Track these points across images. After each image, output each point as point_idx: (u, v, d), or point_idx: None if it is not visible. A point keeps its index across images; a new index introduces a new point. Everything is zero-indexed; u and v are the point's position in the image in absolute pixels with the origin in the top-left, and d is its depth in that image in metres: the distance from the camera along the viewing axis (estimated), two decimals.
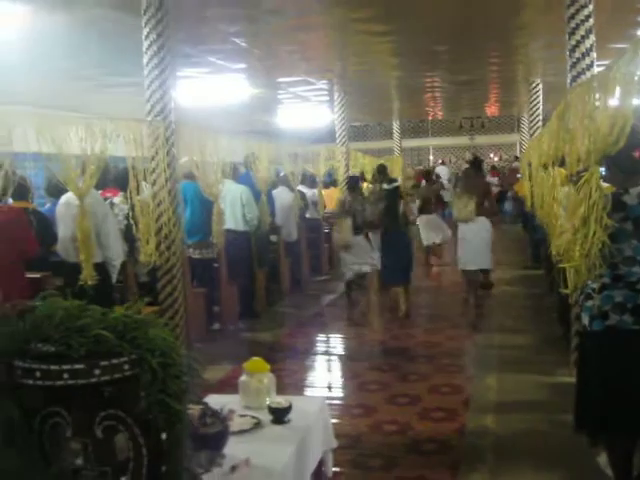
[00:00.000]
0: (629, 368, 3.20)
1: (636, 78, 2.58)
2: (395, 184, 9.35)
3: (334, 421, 4.52)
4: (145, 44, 6.50)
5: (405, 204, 9.31)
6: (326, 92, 15.00)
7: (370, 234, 9.35)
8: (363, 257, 9.18)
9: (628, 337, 3.20)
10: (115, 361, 1.85)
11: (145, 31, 6.46)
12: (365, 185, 12.21)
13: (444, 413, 5.13)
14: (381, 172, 9.81)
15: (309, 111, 17.41)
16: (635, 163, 3.24)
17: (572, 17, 5.99)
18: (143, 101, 6.68)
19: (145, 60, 6.53)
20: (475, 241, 8.75)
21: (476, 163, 10.04)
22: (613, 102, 2.96)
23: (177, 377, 1.92)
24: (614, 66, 2.86)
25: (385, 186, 9.21)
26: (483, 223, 8.83)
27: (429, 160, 28.66)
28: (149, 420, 1.89)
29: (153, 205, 6.44)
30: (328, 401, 4.74)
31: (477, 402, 5.36)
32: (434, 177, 17.73)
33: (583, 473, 4.02)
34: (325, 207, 12.67)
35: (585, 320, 3.38)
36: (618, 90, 2.84)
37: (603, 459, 3.76)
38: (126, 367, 1.86)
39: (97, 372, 1.84)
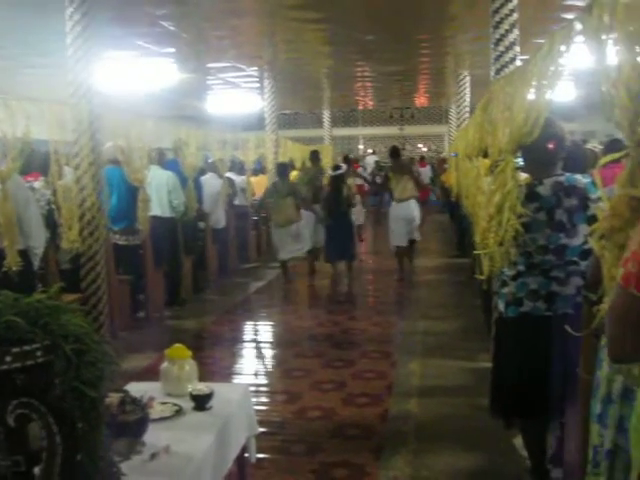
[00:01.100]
0: (541, 353, 3.30)
1: (550, 71, 2.64)
2: (340, 171, 10.34)
3: (258, 408, 4.54)
4: (68, 24, 6.32)
5: (348, 188, 10.34)
6: (256, 79, 14.92)
7: (302, 214, 10.17)
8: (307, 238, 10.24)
9: (541, 323, 3.30)
10: (27, 348, 1.80)
11: (69, 11, 6.28)
12: (294, 173, 12.28)
13: (368, 398, 5.20)
14: (315, 158, 10.93)
15: (239, 98, 17.28)
16: (549, 154, 3.33)
17: (497, 11, 6.13)
18: (66, 83, 6.50)
19: (68, 40, 6.35)
20: (405, 218, 9.87)
21: (394, 151, 10.54)
22: (530, 95, 3.04)
23: (92, 364, 1.88)
24: (531, 60, 2.93)
25: (330, 172, 10.43)
26: (414, 202, 10.01)
27: (359, 149, 28.85)
28: (63, 408, 1.85)
29: (76, 190, 6.29)
30: (253, 388, 4.76)
31: (400, 387, 5.45)
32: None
33: (501, 454, 4.14)
34: (254, 194, 12.63)
35: (500, 307, 3.47)
36: (534, 83, 2.91)
37: (519, 441, 3.90)
38: (39, 354, 1.81)
39: (8, 359, 1.78)
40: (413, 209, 9.99)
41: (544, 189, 3.27)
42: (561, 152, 3.36)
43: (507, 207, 3.17)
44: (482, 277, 3.61)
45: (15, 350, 1.79)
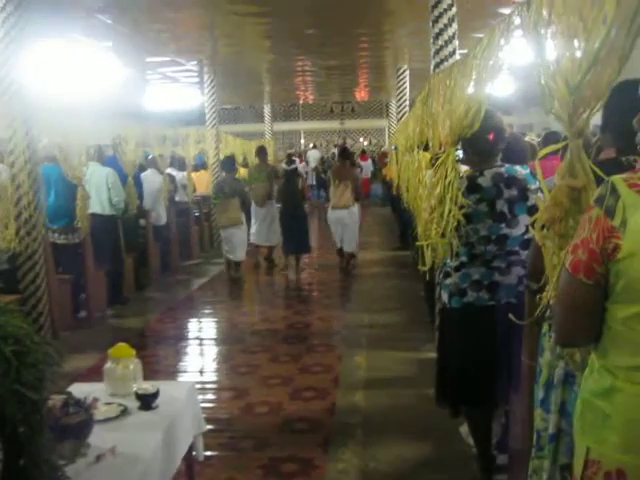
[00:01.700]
0: (486, 342, 3.36)
1: (490, 65, 2.68)
2: (294, 165, 10.71)
3: (205, 405, 4.51)
4: (0, 17, 6.12)
5: (303, 182, 10.67)
6: (196, 73, 14.76)
7: (253, 210, 10.41)
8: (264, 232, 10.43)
9: (484, 313, 3.36)
10: None
11: (0, 2, 6.09)
12: (242, 170, 12.26)
13: (315, 392, 5.21)
14: (262, 153, 10.90)
15: (178, 93, 17.06)
16: (489, 146, 3.38)
17: (435, 5, 6.18)
18: None
19: (0, 35, 6.16)
20: (341, 226, 9.90)
21: (345, 153, 10.44)
22: (470, 88, 3.08)
23: (33, 366, 1.83)
24: (471, 53, 2.97)
25: (284, 166, 10.68)
26: (353, 211, 9.98)
27: (300, 144, 28.85)
28: (4, 412, 1.80)
29: (12, 188, 6.11)
30: (199, 385, 4.72)
31: (347, 380, 5.48)
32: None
33: (447, 443, 4.20)
34: (195, 190, 12.51)
35: (444, 297, 3.52)
36: (474, 76, 2.95)
37: (465, 429, 3.96)
38: None
39: None
40: (347, 217, 9.89)
41: (485, 180, 3.32)
42: (501, 143, 3.41)
43: (449, 198, 3.21)
44: (425, 268, 3.65)
45: None
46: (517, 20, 2.22)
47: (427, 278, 4.22)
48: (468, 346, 3.40)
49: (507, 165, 3.41)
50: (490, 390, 3.39)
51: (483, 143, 3.34)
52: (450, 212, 3.22)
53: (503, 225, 3.32)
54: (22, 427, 1.85)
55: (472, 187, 3.31)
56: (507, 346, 3.29)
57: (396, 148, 11.19)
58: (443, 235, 3.31)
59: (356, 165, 13.50)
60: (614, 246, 1.56)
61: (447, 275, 3.49)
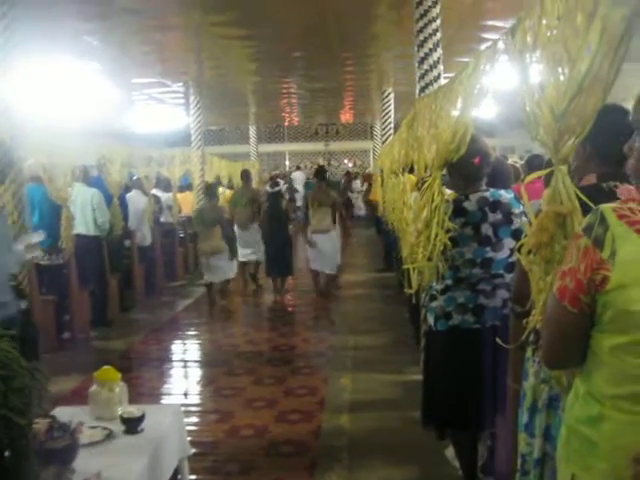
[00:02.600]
0: (471, 365, 3.37)
1: (476, 90, 2.72)
2: (277, 188, 10.75)
3: (190, 428, 4.47)
4: None
5: (287, 204, 10.79)
6: (182, 95, 14.80)
7: (237, 233, 10.34)
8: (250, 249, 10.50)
9: (470, 336, 3.38)
10: None
11: None
12: (221, 189, 12.24)
13: (300, 415, 5.19)
14: (246, 177, 10.90)
15: (164, 114, 17.09)
16: (475, 170, 3.42)
17: (421, 30, 6.26)
18: None
19: None
20: (324, 248, 9.64)
21: (320, 174, 10.12)
22: (456, 112, 3.12)
23: (20, 390, 1.82)
24: (456, 78, 3.01)
25: (268, 189, 10.65)
26: (333, 235, 9.81)
27: (285, 165, 28.92)
28: None
29: None
30: (183, 408, 4.67)
31: (332, 403, 5.46)
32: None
33: (433, 466, 4.19)
34: (180, 211, 12.50)
35: (430, 320, 3.53)
36: (460, 101, 2.99)
37: (450, 452, 3.96)
38: None
39: None
40: (327, 242, 9.67)
41: (470, 204, 3.35)
42: (486, 167, 3.45)
43: (435, 222, 3.23)
44: (411, 291, 3.67)
45: None
46: (502, 45, 2.26)
47: (413, 301, 4.24)
48: (454, 369, 3.41)
49: (492, 189, 3.45)
50: (476, 413, 3.40)
51: (469, 167, 3.38)
52: (437, 236, 3.25)
53: (488, 249, 3.35)
54: (8, 452, 1.83)
55: (458, 211, 3.34)
56: (493, 369, 3.31)
57: (381, 170, 11.24)
58: (430, 259, 3.33)
59: (335, 186, 13.38)
60: (602, 278, 1.56)
61: (433, 298, 3.51)
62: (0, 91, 6.16)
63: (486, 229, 3.34)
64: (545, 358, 1.82)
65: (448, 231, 3.27)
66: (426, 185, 3.46)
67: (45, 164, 7.27)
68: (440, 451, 4.18)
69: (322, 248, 9.66)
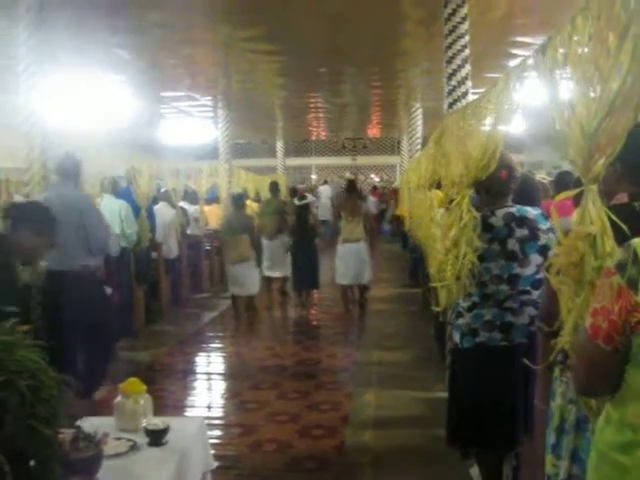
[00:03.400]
0: (498, 383, 3.34)
1: (505, 107, 2.71)
2: (305, 201, 10.60)
3: (213, 441, 4.47)
4: (21, 50, 6.25)
5: (314, 217, 10.64)
6: (210, 108, 14.93)
7: (264, 244, 10.26)
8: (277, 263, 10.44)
9: (497, 353, 3.35)
10: None
11: (22, 37, 6.22)
12: (247, 202, 12.27)
13: (324, 430, 5.17)
14: (274, 189, 10.95)
15: (192, 127, 17.24)
16: (501, 185, 3.40)
17: (449, 46, 6.27)
18: (18, 110, 6.41)
19: (21, 67, 6.28)
20: (353, 259, 9.62)
21: (351, 187, 10.23)
22: (485, 129, 3.11)
23: (47, 401, 1.84)
24: (485, 95, 3.01)
25: (296, 202, 10.53)
26: (361, 243, 9.69)
27: (312, 179, 28.99)
28: (16, 446, 1.80)
29: None
30: (207, 421, 4.68)
31: (356, 418, 5.43)
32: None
33: None
34: (207, 224, 12.56)
35: (456, 338, 3.51)
36: (489, 118, 2.98)
37: (475, 471, 3.91)
38: None
39: None
40: (360, 251, 9.70)
41: (496, 220, 3.34)
42: (513, 182, 3.43)
43: (464, 241, 3.21)
44: (438, 309, 3.65)
45: None
46: (532, 63, 2.25)
47: (440, 318, 4.20)
48: (480, 387, 3.38)
49: (518, 206, 3.43)
50: (502, 432, 3.36)
51: (495, 182, 3.36)
52: (465, 255, 3.23)
53: (515, 264, 3.33)
54: (34, 462, 1.85)
55: (484, 227, 3.32)
56: (520, 387, 3.27)
57: (408, 185, 11.21)
58: (458, 277, 3.31)
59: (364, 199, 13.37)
60: (638, 320, 1.53)
61: (459, 315, 3.48)
62: (32, 103, 6.27)
63: (513, 244, 3.32)
64: (577, 387, 1.80)
65: (476, 250, 3.25)
66: (455, 203, 3.45)
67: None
68: (465, 470, 4.14)
69: (353, 258, 9.65)
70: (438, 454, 4.41)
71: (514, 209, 3.40)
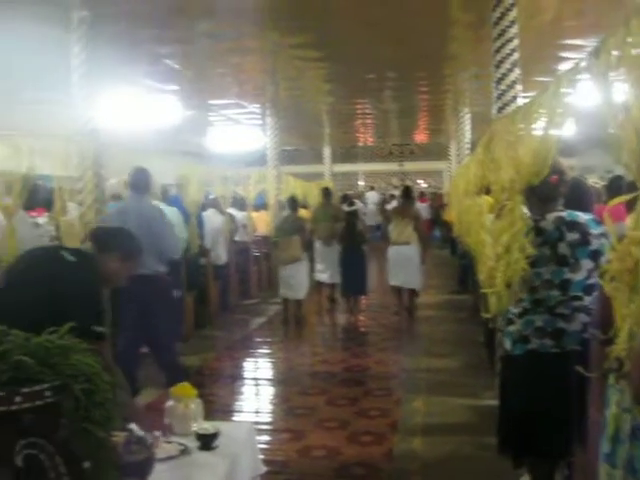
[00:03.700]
0: (550, 391, 3.28)
1: (558, 111, 2.68)
2: (354, 207, 10.62)
3: (262, 446, 4.50)
4: (74, 62, 6.41)
5: (362, 223, 10.67)
6: (258, 116, 15.05)
7: (316, 248, 10.66)
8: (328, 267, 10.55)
9: (549, 360, 3.29)
10: (36, 388, 1.79)
11: (76, 49, 6.37)
12: (303, 211, 12.39)
13: (372, 437, 5.16)
14: (327, 194, 11.19)
15: (241, 134, 17.39)
16: (551, 189, 3.35)
17: (498, 50, 6.20)
18: (71, 119, 6.56)
19: (75, 78, 6.44)
20: (403, 262, 9.66)
21: (407, 193, 10.40)
22: (536, 133, 3.07)
23: (101, 404, 1.87)
24: (536, 100, 2.97)
25: (345, 208, 10.57)
26: (412, 246, 9.69)
27: (358, 185, 28.96)
28: (72, 448, 1.84)
29: (80, 226, 6.30)
30: (256, 426, 4.71)
31: (405, 425, 5.41)
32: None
33: None
34: (255, 230, 12.64)
35: (507, 345, 3.46)
36: (541, 122, 2.94)
37: (526, 479, 3.85)
38: (48, 394, 1.80)
39: (18, 399, 1.78)
40: (410, 255, 9.72)
41: (547, 224, 3.30)
42: (563, 186, 3.38)
43: (516, 247, 3.17)
44: (488, 315, 3.61)
45: (25, 390, 1.79)
46: (585, 67, 2.22)
47: (490, 325, 4.15)
48: (531, 394, 3.33)
49: (568, 210, 3.38)
50: (554, 440, 3.30)
51: (545, 187, 3.31)
52: (517, 262, 3.19)
53: (566, 269, 3.27)
54: (88, 463, 1.88)
55: (535, 231, 3.28)
56: (572, 395, 3.21)
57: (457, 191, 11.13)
58: (509, 285, 3.27)
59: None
60: None
61: (510, 322, 3.44)
62: (86, 113, 6.41)
63: (563, 249, 3.27)
64: (632, 395, 1.76)
65: (528, 257, 3.21)
66: (507, 209, 3.41)
67: (126, 183, 7.48)
68: (515, 479, 4.08)
69: (403, 261, 9.66)
70: (488, 462, 4.36)
71: (564, 213, 3.35)
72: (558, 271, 3.27)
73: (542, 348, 3.30)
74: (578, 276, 3.27)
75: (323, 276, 10.68)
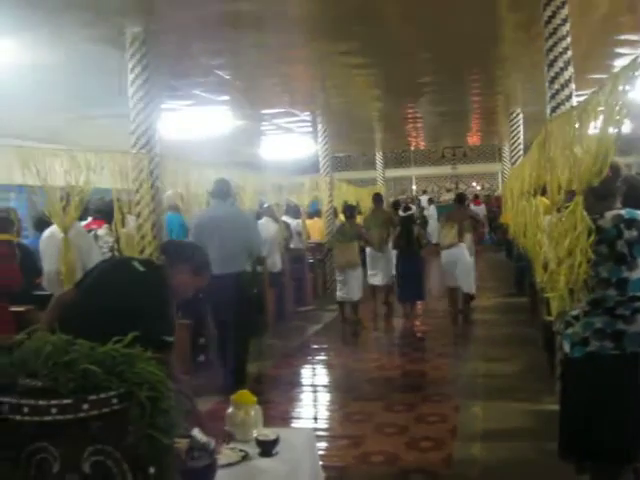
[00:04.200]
0: (612, 393, 3.22)
1: (616, 109, 2.63)
2: (410, 212, 10.62)
3: (321, 452, 4.50)
4: (130, 77, 6.57)
5: (418, 228, 10.77)
6: (309, 123, 15.12)
7: (368, 253, 10.85)
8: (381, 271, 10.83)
9: (609, 363, 3.23)
10: (103, 395, 1.84)
11: (130, 64, 6.54)
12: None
13: (431, 442, 5.12)
14: (378, 200, 11.41)
15: (293, 142, 17.51)
16: (608, 186, 3.29)
17: (551, 49, 6.12)
18: (127, 133, 6.72)
19: (130, 93, 6.60)
20: (452, 264, 9.75)
21: (460, 198, 10.62)
22: (593, 132, 3.02)
23: (166, 411, 1.91)
24: (593, 98, 2.93)
25: (401, 213, 10.62)
26: (463, 249, 9.77)
27: (412, 189, 28.83)
28: (137, 455, 1.88)
29: (138, 237, 6.43)
30: (314, 432, 4.73)
31: (464, 431, 5.35)
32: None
33: None
34: (309, 237, 12.69)
35: (566, 347, 3.39)
36: (599, 121, 2.89)
37: None
38: (114, 401, 1.85)
39: (85, 407, 1.83)
40: (459, 257, 9.74)
41: (605, 222, 3.24)
42: (617, 181, 3.31)
43: (578, 250, 3.12)
44: (550, 318, 3.56)
45: (92, 398, 1.84)
46: None
47: (554, 328, 4.06)
48: (593, 397, 3.26)
49: (627, 208, 3.32)
50: (617, 445, 3.23)
51: (602, 183, 3.25)
52: (580, 265, 3.13)
53: (624, 267, 3.21)
54: (153, 469, 1.92)
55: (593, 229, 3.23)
56: (634, 398, 3.14)
57: (512, 192, 11.04)
58: (571, 290, 3.21)
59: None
60: None
61: (569, 324, 3.38)
62: (142, 126, 6.55)
63: (621, 246, 3.21)
64: None
65: (589, 261, 3.16)
66: (568, 210, 3.36)
67: (182, 194, 7.61)
68: None
69: (452, 264, 9.74)
70: (549, 468, 4.28)
71: (623, 211, 3.29)
72: (616, 269, 3.21)
73: (602, 350, 3.24)
74: (635, 275, 3.21)
75: (376, 279, 10.87)
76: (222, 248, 6.06)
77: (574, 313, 3.35)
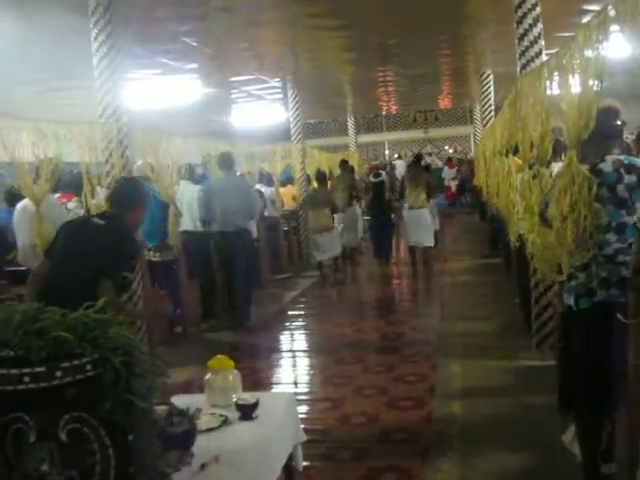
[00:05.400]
0: (620, 342, 3.19)
1: (590, 63, 2.61)
2: (380, 178, 11.53)
3: (302, 416, 4.52)
4: (94, 45, 6.42)
5: (388, 193, 11.65)
6: (279, 90, 14.96)
7: (335, 216, 11.61)
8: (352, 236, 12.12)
9: (617, 311, 3.19)
10: (76, 362, 1.81)
11: (94, 32, 6.39)
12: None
13: (411, 402, 5.16)
14: (345, 166, 12.64)
15: (263, 110, 17.34)
16: (604, 126, 3.26)
17: (519, 6, 6.08)
18: (95, 104, 6.58)
19: (95, 62, 6.45)
20: (419, 224, 10.57)
21: (417, 160, 11.88)
22: (573, 88, 3.00)
23: (141, 375, 1.89)
24: (565, 53, 2.90)
25: (372, 179, 11.58)
26: (425, 210, 10.68)
27: (385, 155, 28.80)
28: (114, 421, 1.86)
29: (108, 208, 6.34)
30: (295, 396, 4.74)
31: (443, 389, 5.40)
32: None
33: (549, 452, 4.07)
34: (283, 205, 12.65)
35: (570, 300, 3.35)
36: (577, 77, 2.87)
37: (568, 438, 3.80)
38: (88, 368, 1.82)
39: (58, 374, 1.80)
40: (424, 216, 10.58)
41: (606, 165, 3.24)
42: (611, 121, 3.30)
43: (582, 204, 3.11)
44: (562, 277, 3.54)
45: (65, 365, 1.81)
46: (612, 13, 2.16)
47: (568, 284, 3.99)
48: (601, 347, 3.24)
49: (626, 154, 3.33)
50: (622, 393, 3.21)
51: (603, 126, 3.23)
52: (585, 218, 3.13)
53: (623, 212, 3.20)
54: (132, 435, 1.90)
55: (593, 173, 3.21)
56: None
57: (484, 154, 11.10)
58: (579, 244, 3.21)
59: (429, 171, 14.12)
60: None
61: (571, 277, 3.37)
62: (108, 96, 6.43)
63: (622, 191, 3.21)
64: None
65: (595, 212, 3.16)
66: (564, 165, 3.34)
67: (153, 164, 7.51)
68: (557, 437, 4.05)
69: (416, 223, 10.49)
70: (528, 422, 4.37)
71: (622, 157, 3.30)
72: (615, 213, 3.21)
73: (609, 299, 3.20)
74: (632, 220, 3.20)
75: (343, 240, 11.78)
76: (228, 209, 7.59)
77: (577, 264, 3.33)
